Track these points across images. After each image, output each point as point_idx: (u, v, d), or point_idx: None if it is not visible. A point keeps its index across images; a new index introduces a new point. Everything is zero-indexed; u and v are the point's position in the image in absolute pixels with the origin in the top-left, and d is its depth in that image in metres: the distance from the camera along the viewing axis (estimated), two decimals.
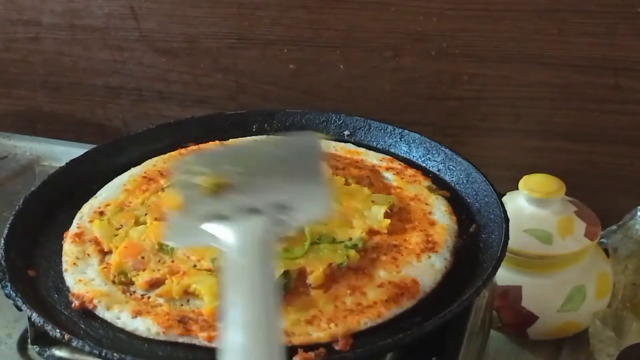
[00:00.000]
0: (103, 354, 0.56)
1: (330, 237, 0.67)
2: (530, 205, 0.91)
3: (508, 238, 0.67)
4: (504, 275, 0.90)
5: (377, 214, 0.71)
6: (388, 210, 0.72)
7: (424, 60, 1.08)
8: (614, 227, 0.98)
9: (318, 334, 0.59)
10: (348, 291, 0.63)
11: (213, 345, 0.59)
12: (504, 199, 0.89)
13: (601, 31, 0.98)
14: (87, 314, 0.63)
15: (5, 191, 0.77)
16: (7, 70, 1.38)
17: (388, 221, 0.70)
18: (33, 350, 0.64)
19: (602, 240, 0.95)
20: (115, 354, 0.56)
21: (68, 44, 1.30)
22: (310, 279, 0.63)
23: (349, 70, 1.14)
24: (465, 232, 0.72)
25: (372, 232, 0.70)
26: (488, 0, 1.01)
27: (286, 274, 0.63)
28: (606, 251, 0.96)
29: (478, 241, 0.71)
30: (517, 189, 0.92)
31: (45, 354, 0.63)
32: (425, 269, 0.66)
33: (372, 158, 0.82)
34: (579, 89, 1.02)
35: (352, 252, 0.65)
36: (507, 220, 0.69)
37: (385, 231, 0.70)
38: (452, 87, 1.08)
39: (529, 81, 1.04)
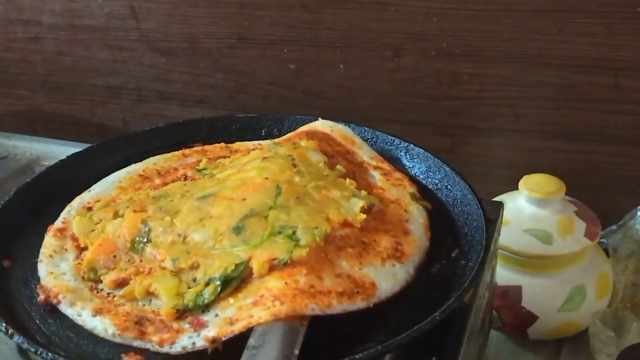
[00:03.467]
0: (39, 352, 0.57)
1: (291, 229, 0.64)
2: (530, 205, 0.91)
3: (482, 269, 0.64)
4: (504, 275, 0.90)
5: (354, 207, 0.69)
6: (365, 207, 0.69)
7: (424, 60, 1.08)
8: (614, 227, 0.98)
9: (259, 314, 0.56)
10: (304, 270, 0.60)
11: (163, 350, 0.58)
12: (504, 199, 0.90)
13: (601, 31, 0.98)
14: (49, 309, 0.63)
15: (5, 191, 0.76)
16: (7, 70, 1.38)
17: (364, 216, 0.68)
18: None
19: (602, 240, 0.95)
20: (49, 353, 0.56)
21: (68, 44, 1.30)
22: (254, 270, 0.61)
23: (349, 70, 1.14)
24: (446, 257, 0.69)
25: (345, 224, 0.67)
26: (488, 0, 1.01)
27: (238, 266, 0.61)
28: (606, 251, 0.96)
29: (456, 267, 0.67)
30: (517, 189, 0.92)
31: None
32: (386, 276, 0.64)
33: (364, 153, 0.80)
34: (579, 89, 1.02)
35: (298, 250, 0.62)
36: (487, 248, 0.65)
37: (358, 225, 0.67)
38: (452, 87, 1.08)
39: (529, 81, 1.04)
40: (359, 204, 0.69)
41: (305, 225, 0.64)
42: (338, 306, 0.59)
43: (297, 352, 0.54)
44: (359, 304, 0.60)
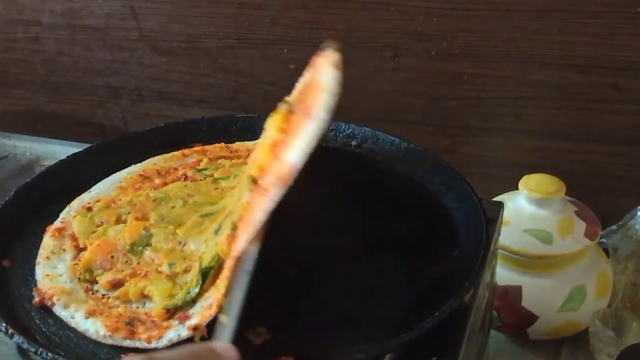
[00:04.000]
0: (39, 352, 0.57)
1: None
2: (530, 205, 0.91)
3: (482, 269, 0.64)
4: (504, 275, 0.90)
5: (273, 129, 0.67)
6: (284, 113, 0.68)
7: (424, 60, 1.08)
8: (614, 227, 0.98)
9: (222, 286, 0.58)
10: (242, 222, 0.61)
11: (151, 346, 0.58)
12: (504, 199, 0.90)
13: (601, 31, 0.98)
14: (47, 310, 0.63)
15: (5, 191, 0.76)
16: (7, 70, 1.38)
17: (278, 124, 0.67)
18: None
19: (602, 240, 0.95)
20: (49, 353, 0.56)
21: (68, 44, 1.30)
22: (222, 255, 0.61)
23: (349, 70, 1.13)
24: (446, 257, 0.69)
25: (274, 145, 0.65)
26: (488, 0, 1.01)
27: (214, 257, 0.61)
28: (606, 251, 0.96)
29: (456, 267, 0.67)
30: (517, 189, 0.92)
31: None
32: (301, 143, 0.59)
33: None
34: (579, 89, 1.02)
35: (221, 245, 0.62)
36: (487, 248, 0.65)
37: (282, 133, 0.66)
38: (452, 87, 1.08)
39: (529, 81, 1.04)
40: (274, 122, 0.68)
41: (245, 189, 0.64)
42: (260, 215, 0.58)
43: (248, 268, 0.57)
44: (275, 194, 0.57)
